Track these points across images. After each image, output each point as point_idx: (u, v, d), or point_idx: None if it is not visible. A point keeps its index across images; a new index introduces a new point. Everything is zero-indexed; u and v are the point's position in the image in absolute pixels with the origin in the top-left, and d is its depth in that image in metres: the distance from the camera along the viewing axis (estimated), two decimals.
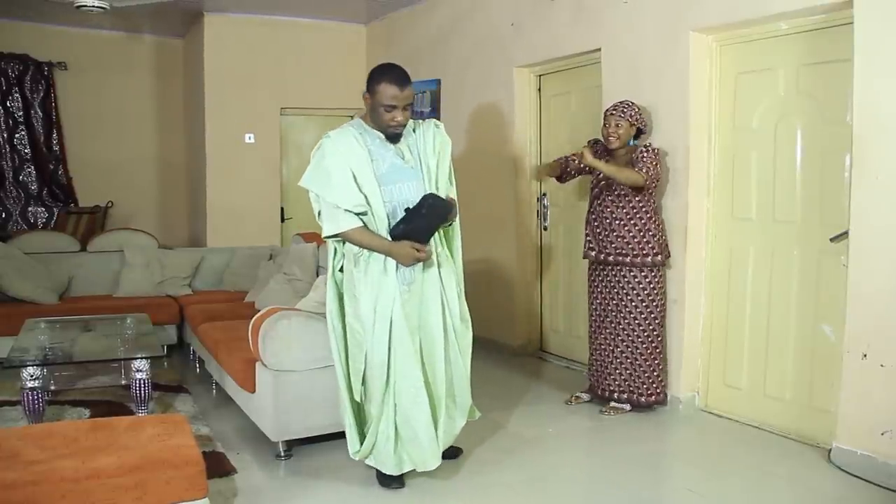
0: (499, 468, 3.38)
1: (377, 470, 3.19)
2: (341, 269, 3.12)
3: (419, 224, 2.95)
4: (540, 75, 5.47)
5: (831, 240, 3.53)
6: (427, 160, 3.10)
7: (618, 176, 3.90)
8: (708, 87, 4.13)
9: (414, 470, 3.15)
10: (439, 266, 3.12)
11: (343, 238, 3.03)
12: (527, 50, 5.33)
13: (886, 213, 3.18)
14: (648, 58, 4.32)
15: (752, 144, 3.97)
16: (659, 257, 4.04)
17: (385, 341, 3.00)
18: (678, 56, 4.12)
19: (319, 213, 3.05)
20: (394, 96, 2.95)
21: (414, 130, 3.15)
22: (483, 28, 5.76)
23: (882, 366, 3.19)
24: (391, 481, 3.15)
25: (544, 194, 5.49)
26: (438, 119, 6.03)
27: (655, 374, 4.11)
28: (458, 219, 3.26)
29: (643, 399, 4.10)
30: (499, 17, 5.57)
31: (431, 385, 3.09)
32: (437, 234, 3.10)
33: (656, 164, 3.94)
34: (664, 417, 4.16)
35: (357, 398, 3.11)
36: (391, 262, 3.01)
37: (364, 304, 3.02)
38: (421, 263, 3.02)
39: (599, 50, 4.67)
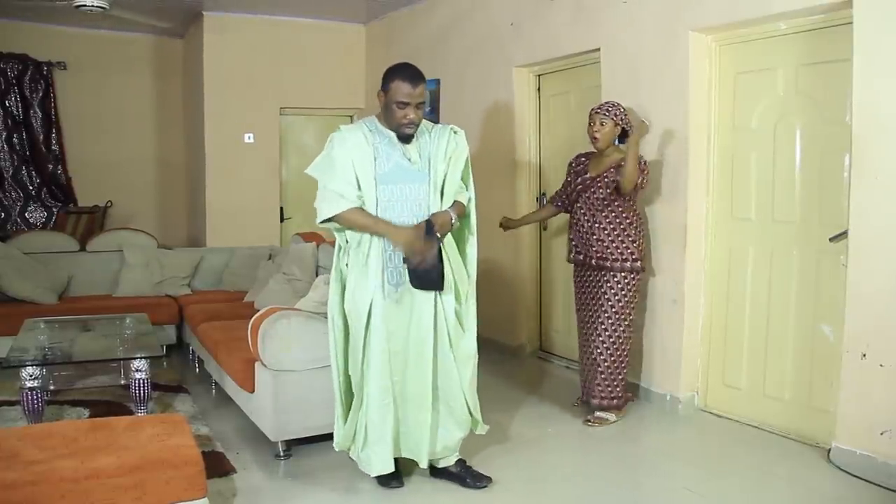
0: (499, 468, 3.38)
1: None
2: (347, 265, 3.11)
3: (423, 270, 2.94)
4: (539, 75, 5.47)
5: (830, 240, 3.53)
6: (437, 164, 3.08)
7: (629, 170, 3.82)
8: (707, 87, 4.13)
9: (413, 471, 3.14)
10: None
11: (339, 221, 3.01)
12: (526, 50, 5.33)
13: (886, 213, 3.18)
14: (648, 58, 4.32)
15: (752, 144, 3.98)
16: (638, 263, 3.97)
17: (361, 336, 3.02)
18: (677, 56, 4.13)
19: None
20: (407, 94, 2.97)
21: (430, 134, 3.14)
22: (482, 28, 5.76)
23: (881, 365, 3.20)
24: (390, 480, 3.16)
25: (543, 194, 5.49)
26: (437, 119, 6.04)
27: (620, 378, 4.03)
28: (474, 221, 3.19)
29: (605, 402, 4.00)
30: (498, 17, 5.57)
31: (404, 392, 3.05)
32: (448, 235, 3.08)
33: (646, 174, 3.97)
34: (663, 417, 4.16)
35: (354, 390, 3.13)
36: (374, 260, 2.99)
37: (349, 294, 3.05)
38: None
39: (599, 50, 4.67)
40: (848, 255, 3.36)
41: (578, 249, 4.15)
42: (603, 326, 4.01)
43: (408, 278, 3.00)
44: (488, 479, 3.24)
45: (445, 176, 3.09)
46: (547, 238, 5.53)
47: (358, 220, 2.98)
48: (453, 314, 3.10)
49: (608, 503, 3.12)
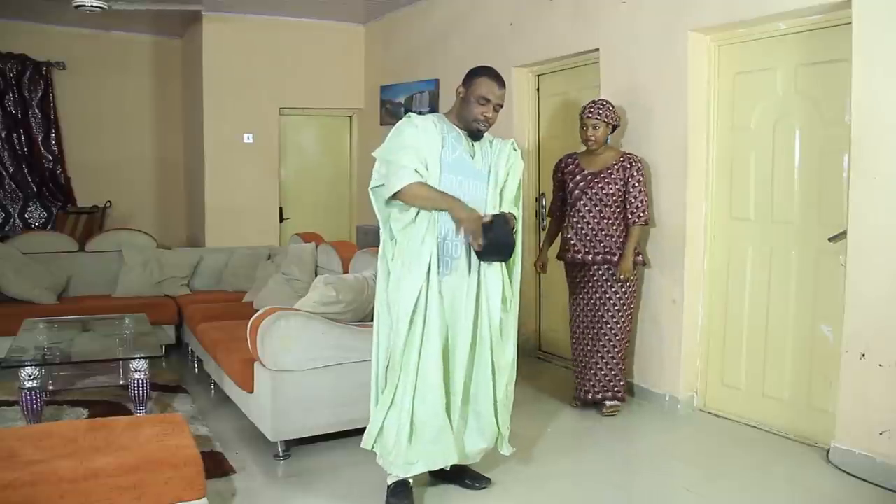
0: (497, 468, 3.38)
1: (387, 486, 3.02)
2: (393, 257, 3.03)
3: (496, 234, 2.88)
4: (538, 75, 5.47)
5: (830, 240, 3.54)
6: (497, 168, 3.07)
7: (638, 243, 4.16)
8: (706, 88, 4.14)
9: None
10: (482, 270, 3.00)
11: (403, 198, 2.90)
12: (525, 50, 5.33)
13: (884, 213, 3.18)
14: (647, 58, 4.32)
15: (751, 144, 3.98)
16: (640, 257, 4.16)
17: (405, 328, 2.89)
18: (676, 56, 4.13)
19: (374, 189, 2.98)
20: (491, 91, 3.01)
21: (491, 144, 3.13)
22: (482, 28, 5.76)
23: (880, 365, 3.20)
24: (401, 499, 2.99)
25: (542, 194, 5.49)
26: None
27: (622, 369, 4.18)
28: (520, 245, 3.13)
29: (619, 394, 4.16)
30: (497, 17, 5.57)
31: (446, 390, 2.95)
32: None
33: (646, 188, 4.11)
34: (663, 417, 4.17)
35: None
36: (426, 249, 2.89)
37: (393, 283, 2.96)
38: (463, 261, 2.96)
39: (598, 50, 4.67)
40: (847, 256, 3.36)
41: (578, 248, 4.18)
42: (609, 325, 4.13)
43: (471, 253, 2.94)
44: (487, 480, 3.24)
45: (505, 183, 3.08)
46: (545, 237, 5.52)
47: (422, 193, 2.88)
48: (497, 317, 3.03)
49: (608, 503, 3.12)
